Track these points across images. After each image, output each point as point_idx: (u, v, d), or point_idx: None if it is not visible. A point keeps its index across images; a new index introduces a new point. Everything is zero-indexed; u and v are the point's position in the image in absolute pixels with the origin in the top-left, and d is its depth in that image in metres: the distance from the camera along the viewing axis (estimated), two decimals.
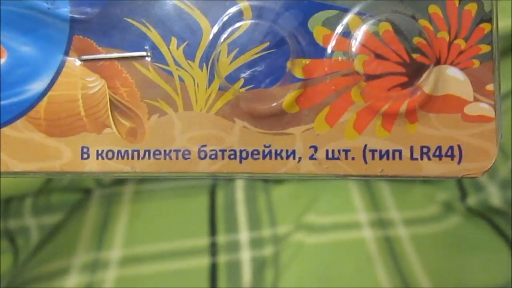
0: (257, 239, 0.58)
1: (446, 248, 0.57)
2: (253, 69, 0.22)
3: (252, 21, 0.22)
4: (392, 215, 0.60)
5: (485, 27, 0.22)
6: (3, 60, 0.24)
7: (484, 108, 0.22)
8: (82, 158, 0.23)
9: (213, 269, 0.54)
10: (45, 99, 0.24)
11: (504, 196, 0.55)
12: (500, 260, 0.55)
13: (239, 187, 0.65)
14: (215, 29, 0.23)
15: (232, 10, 0.22)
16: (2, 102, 0.24)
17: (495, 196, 0.56)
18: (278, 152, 0.22)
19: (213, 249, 0.56)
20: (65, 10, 0.23)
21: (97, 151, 0.23)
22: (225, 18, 0.22)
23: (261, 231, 0.59)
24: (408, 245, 0.57)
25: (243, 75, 0.22)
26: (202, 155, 0.23)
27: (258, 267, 0.54)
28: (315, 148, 0.22)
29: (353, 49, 0.22)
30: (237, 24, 0.22)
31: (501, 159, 0.55)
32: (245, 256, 0.56)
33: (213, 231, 0.59)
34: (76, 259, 0.55)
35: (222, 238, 0.58)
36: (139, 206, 0.63)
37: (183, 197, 0.65)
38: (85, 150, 0.23)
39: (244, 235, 0.58)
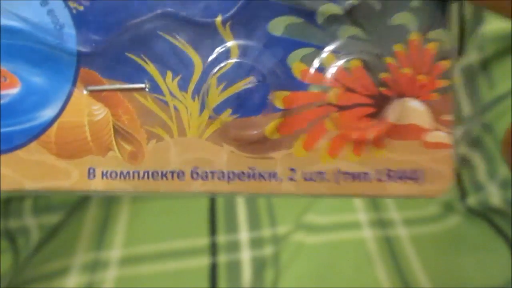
0: (257, 239, 0.61)
1: (446, 248, 0.59)
2: (239, 100, 0.27)
3: (238, 60, 0.27)
4: (392, 215, 0.61)
5: (445, 64, 0.27)
6: (17, 90, 0.29)
7: (442, 136, 0.27)
8: (89, 178, 0.29)
9: (213, 269, 0.57)
10: (55, 124, 0.29)
11: (504, 196, 0.58)
12: (500, 260, 0.57)
13: None
14: (206, 64, 0.28)
15: (221, 49, 0.27)
16: (16, 128, 0.29)
17: (495, 196, 0.59)
18: (262, 173, 0.28)
19: (213, 249, 0.60)
20: (72, 45, 0.28)
21: (102, 171, 0.29)
22: (215, 55, 0.27)
23: (261, 231, 0.62)
24: (408, 245, 0.58)
25: (230, 105, 0.27)
26: (195, 176, 0.28)
27: (258, 267, 0.57)
28: (294, 170, 0.27)
29: (327, 82, 0.27)
30: (225, 62, 0.27)
31: (501, 159, 0.58)
32: (245, 256, 0.59)
33: (213, 231, 0.62)
34: (76, 259, 0.59)
35: (222, 238, 0.61)
36: (139, 206, 0.67)
37: (183, 197, 0.68)
38: (91, 171, 0.29)
39: (244, 235, 0.62)
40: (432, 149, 0.27)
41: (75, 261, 0.58)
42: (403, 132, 0.27)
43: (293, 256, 0.58)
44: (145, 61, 0.28)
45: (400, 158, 0.27)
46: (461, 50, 0.64)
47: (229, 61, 0.27)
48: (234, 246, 0.60)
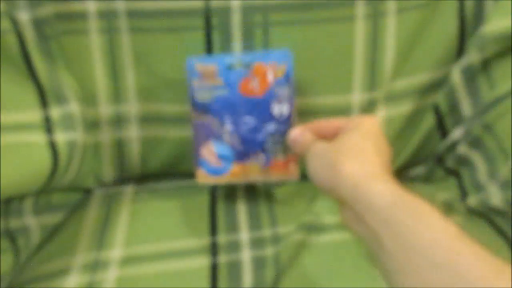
0: (258, 239, 0.61)
1: None
2: None
3: None
4: None
5: None
6: None
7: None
8: None
9: (214, 269, 0.57)
10: None
11: (504, 196, 0.58)
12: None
13: (240, 187, 0.69)
14: None
15: None
16: None
17: (495, 196, 0.59)
18: None
19: (214, 249, 0.60)
20: None
21: None
22: None
23: (261, 231, 0.62)
24: None
25: None
26: None
27: (258, 267, 0.57)
28: None
29: None
30: None
31: (501, 160, 0.58)
32: (246, 256, 0.59)
33: (213, 231, 0.62)
34: (77, 259, 0.58)
35: (222, 238, 0.61)
36: (140, 206, 0.67)
37: (184, 197, 0.69)
38: None
39: (244, 235, 0.62)
40: None
41: (75, 261, 0.58)
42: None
43: (293, 256, 0.58)
44: None
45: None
46: (461, 50, 0.64)
47: None
48: (234, 246, 0.60)
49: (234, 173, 0.61)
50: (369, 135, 0.46)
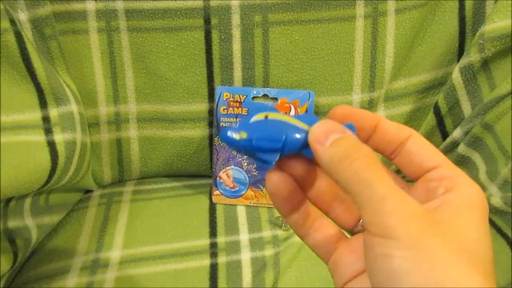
0: (257, 240, 0.61)
1: None
2: None
3: None
4: None
5: None
6: None
7: None
8: None
9: (213, 270, 0.57)
10: None
11: (504, 196, 0.58)
12: (500, 260, 0.57)
13: None
14: None
15: None
16: None
17: (495, 196, 0.59)
18: None
19: (214, 250, 0.60)
20: None
21: None
22: None
23: (261, 232, 0.62)
24: None
25: None
26: None
27: (258, 267, 0.57)
28: None
29: None
30: None
31: (501, 160, 0.58)
32: (245, 256, 0.59)
33: (213, 231, 0.62)
34: (76, 259, 0.58)
35: (222, 239, 0.61)
36: (139, 206, 0.67)
37: (184, 197, 0.69)
38: None
39: (244, 236, 0.62)
40: None
41: (74, 262, 0.58)
42: None
43: (293, 256, 0.58)
44: None
45: None
46: (461, 50, 0.64)
47: None
48: (234, 247, 0.60)
49: (247, 196, 0.67)
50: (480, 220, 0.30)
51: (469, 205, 0.29)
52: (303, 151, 0.31)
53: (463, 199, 0.29)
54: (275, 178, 0.32)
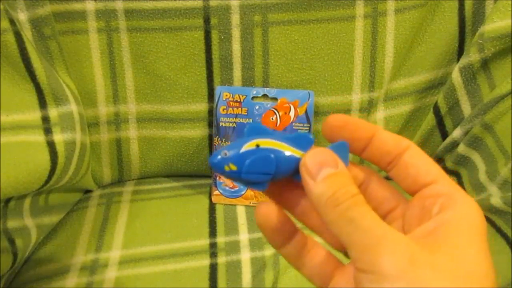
0: (257, 240, 0.61)
1: None
2: None
3: None
4: None
5: None
6: None
7: None
8: None
9: (213, 270, 0.57)
10: None
11: (504, 196, 0.58)
12: (500, 260, 0.57)
13: None
14: None
15: None
16: None
17: (495, 196, 0.59)
18: None
19: (213, 250, 0.59)
20: None
21: None
22: None
23: (261, 232, 0.61)
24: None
25: None
26: None
27: (258, 267, 0.57)
28: None
29: None
30: None
31: (501, 160, 0.58)
32: (245, 256, 0.59)
33: (213, 232, 0.62)
34: (75, 259, 0.58)
35: (222, 239, 0.61)
36: (138, 206, 0.67)
37: (183, 197, 0.69)
38: None
39: (244, 236, 0.62)
40: None
41: (74, 262, 0.58)
42: None
43: None
44: None
45: None
46: (461, 50, 0.64)
47: None
48: (234, 247, 0.60)
49: (247, 196, 0.67)
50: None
51: (467, 224, 0.29)
52: (293, 176, 0.31)
53: (460, 218, 0.29)
54: (263, 210, 0.31)
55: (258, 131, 0.31)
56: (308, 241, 0.33)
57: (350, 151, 0.32)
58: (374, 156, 0.32)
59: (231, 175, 0.30)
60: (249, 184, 0.31)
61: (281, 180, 0.31)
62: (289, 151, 0.31)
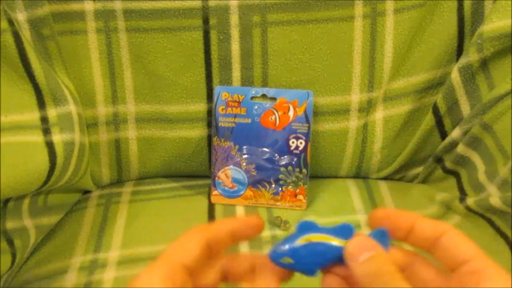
0: (256, 239, 0.61)
1: None
2: None
3: None
4: None
5: None
6: None
7: None
8: None
9: None
10: None
11: (503, 196, 0.57)
12: (500, 260, 0.56)
13: None
14: None
15: None
16: None
17: (494, 196, 0.58)
18: None
19: None
20: None
21: None
22: None
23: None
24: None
25: None
26: None
27: None
28: None
29: None
30: None
31: (500, 160, 0.58)
32: None
33: None
34: (74, 259, 0.58)
35: None
36: (138, 207, 0.67)
37: (182, 197, 0.69)
38: None
39: None
40: None
41: (73, 262, 0.58)
42: None
43: None
44: None
45: None
46: (460, 50, 0.64)
47: None
48: (233, 247, 0.59)
49: (246, 196, 0.66)
50: None
51: None
52: (340, 262, 0.36)
53: None
54: (329, 281, 0.37)
55: (309, 227, 0.37)
56: None
57: (394, 238, 0.37)
58: (415, 242, 0.37)
59: (288, 267, 0.37)
60: (302, 272, 0.37)
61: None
62: (335, 242, 0.36)
